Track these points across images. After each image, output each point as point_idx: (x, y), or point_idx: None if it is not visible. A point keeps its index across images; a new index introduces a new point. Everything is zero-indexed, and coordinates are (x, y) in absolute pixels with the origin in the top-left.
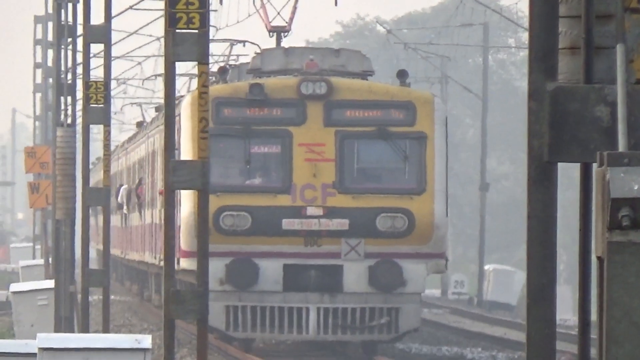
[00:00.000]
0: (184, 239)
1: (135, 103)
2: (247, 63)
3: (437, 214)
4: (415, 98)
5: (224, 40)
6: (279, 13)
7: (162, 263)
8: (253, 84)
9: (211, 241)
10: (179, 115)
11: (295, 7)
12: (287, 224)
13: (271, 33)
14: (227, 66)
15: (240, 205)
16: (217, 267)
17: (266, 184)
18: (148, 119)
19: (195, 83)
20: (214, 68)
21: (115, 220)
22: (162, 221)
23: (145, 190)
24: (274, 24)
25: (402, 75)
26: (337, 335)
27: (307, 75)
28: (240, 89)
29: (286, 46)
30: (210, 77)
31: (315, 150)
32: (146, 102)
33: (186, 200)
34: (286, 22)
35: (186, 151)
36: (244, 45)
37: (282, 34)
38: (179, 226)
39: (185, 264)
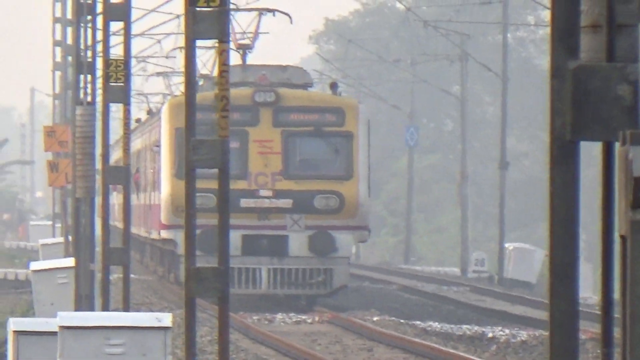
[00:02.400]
0: (164, 215)
1: (161, 73)
2: (215, 77)
3: (361, 195)
4: (344, 104)
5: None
6: (244, 32)
7: (151, 236)
8: (217, 92)
9: (184, 216)
10: (160, 118)
11: (257, 29)
12: (244, 202)
13: (239, 50)
14: (198, 79)
15: (208, 188)
16: None
17: None
18: (176, 92)
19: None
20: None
21: (120, 198)
22: (152, 203)
23: (141, 177)
24: (240, 42)
25: (333, 87)
26: (284, 290)
27: (260, 87)
28: (207, 97)
29: (246, 64)
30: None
31: (266, 146)
32: (170, 71)
33: (165, 184)
34: (250, 41)
35: (165, 146)
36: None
37: (246, 50)
38: (160, 205)
39: (164, 234)
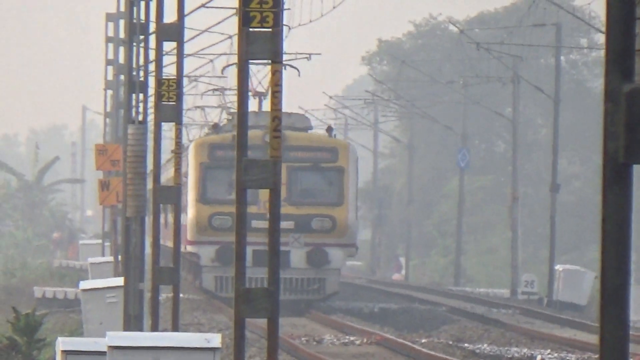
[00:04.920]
0: (190, 233)
1: (199, 107)
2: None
3: (350, 218)
4: (337, 145)
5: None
6: (260, 82)
7: (185, 249)
8: (234, 134)
9: (205, 235)
10: (187, 154)
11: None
12: (255, 223)
13: (254, 97)
14: (219, 123)
15: (225, 212)
16: (209, 251)
17: None
18: (211, 121)
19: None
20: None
21: (163, 217)
22: (182, 222)
23: None
24: (257, 89)
25: (329, 130)
26: (286, 296)
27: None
28: (226, 138)
29: (261, 110)
30: (209, 131)
31: None
32: (210, 106)
33: (191, 208)
34: (264, 90)
35: (191, 177)
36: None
37: (262, 98)
38: (186, 225)
39: (190, 248)
